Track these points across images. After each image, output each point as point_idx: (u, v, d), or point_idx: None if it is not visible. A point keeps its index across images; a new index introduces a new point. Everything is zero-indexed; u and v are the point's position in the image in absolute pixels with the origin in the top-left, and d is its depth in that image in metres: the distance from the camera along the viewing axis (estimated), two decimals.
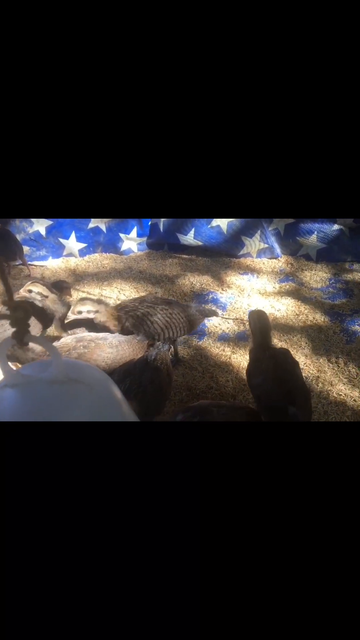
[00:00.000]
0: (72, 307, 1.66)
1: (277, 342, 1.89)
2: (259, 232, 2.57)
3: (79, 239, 2.63)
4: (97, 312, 1.57)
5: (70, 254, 2.66)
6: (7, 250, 2.27)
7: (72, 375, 0.77)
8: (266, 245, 2.61)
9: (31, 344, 1.34)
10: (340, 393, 1.64)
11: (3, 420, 0.75)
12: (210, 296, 2.30)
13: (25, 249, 2.50)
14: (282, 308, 2.17)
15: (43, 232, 2.56)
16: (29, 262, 2.51)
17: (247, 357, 1.81)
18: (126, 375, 1.34)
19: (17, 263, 2.43)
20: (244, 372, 1.74)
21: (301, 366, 1.76)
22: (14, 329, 0.66)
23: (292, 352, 1.82)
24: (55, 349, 0.74)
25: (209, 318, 2.08)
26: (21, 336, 0.66)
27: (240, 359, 1.79)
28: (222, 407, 1.20)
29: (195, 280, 2.43)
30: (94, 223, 2.61)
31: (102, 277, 2.46)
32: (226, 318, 2.09)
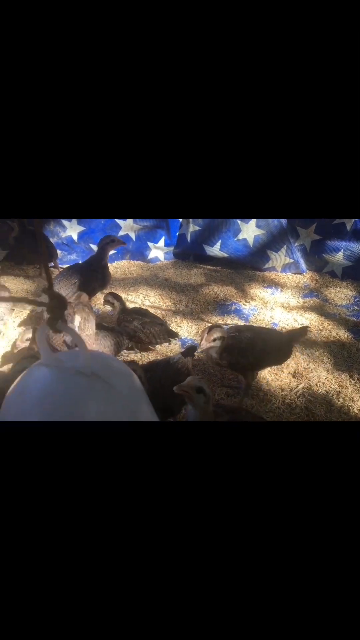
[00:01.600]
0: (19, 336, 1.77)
1: (299, 355, 1.89)
2: (285, 246, 2.59)
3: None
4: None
5: None
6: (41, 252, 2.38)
7: (96, 369, 0.82)
8: (292, 260, 2.63)
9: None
10: None
11: (29, 394, 0.80)
12: (234, 307, 2.32)
13: (58, 252, 2.61)
14: (305, 322, 2.17)
15: (75, 237, 2.67)
16: (60, 265, 2.61)
17: (269, 367, 1.82)
18: (147, 372, 1.38)
19: (50, 265, 2.54)
20: (263, 379, 1.75)
21: (322, 381, 1.75)
22: (49, 316, 0.71)
23: (314, 367, 1.82)
24: (83, 343, 0.79)
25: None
26: (54, 323, 0.71)
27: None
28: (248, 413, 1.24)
29: (219, 291, 2.46)
30: (124, 231, 2.70)
31: (128, 283, 2.53)
32: None
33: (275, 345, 1.60)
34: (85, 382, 0.78)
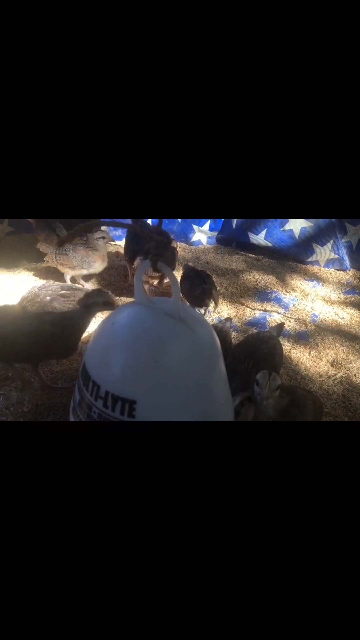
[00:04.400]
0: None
1: (339, 345, 1.88)
2: (331, 241, 2.56)
3: (154, 224, 2.77)
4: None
5: None
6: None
7: (183, 316, 0.86)
8: (336, 256, 2.60)
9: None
10: None
11: (119, 328, 0.85)
12: (274, 295, 2.32)
13: (104, 228, 2.68)
14: (345, 317, 2.15)
15: None
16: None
17: (307, 354, 1.83)
18: None
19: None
20: (302, 364, 1.75)
21: None
22: (152, 253, 0.75)
23: (353, 359, 1.81)
24: (178, 287, 0.83)
25: (271, 314, 2.12)
26: (156, 260, 0.74)
27: (300, 355, 1.80)
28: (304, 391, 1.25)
29: (260, 278, 2.46)
30: None
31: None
32: (288, 317, 2.11)
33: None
34: (172, 325, 0.83)
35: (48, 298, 1.59)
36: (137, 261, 1.92)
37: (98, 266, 2.12)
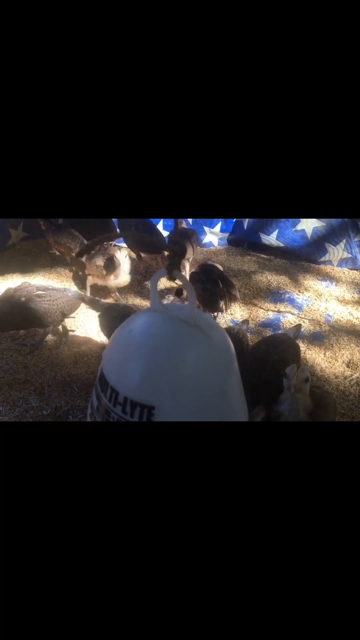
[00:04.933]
0: None
1: (354, 346, 1.86)
2: (344, 240, 2.53)
3: (165, 227, 2.78)
4: None
5: None
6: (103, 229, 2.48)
7: (198, 322, 0.86)
8: (349, 255, 2.57)
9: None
10: None
11: (136, 336, 0.86)
12: (287, 295, 2.31)
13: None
14: None
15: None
16: (117, 244, 2.70)
17: (323, 355, 1.81)
18: None
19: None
20: (317, 365, 1.74)
21: None
22: (168, 262, 0.76)
23: None
24: (194, 293, 0.84)
25: (285, 314, 2.11)
26: (172, 269, 0.75)
27: (315, 356, 1.79)
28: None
29: (272, 279, 2.46)
30: None
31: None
32: (302, 317, 2.10)
33: None
34: (189, 331, 0.84)
35: (23, 299, 1.60)
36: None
37: (111, 281, 2.05)
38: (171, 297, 1.93)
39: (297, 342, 1.88)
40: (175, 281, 1.44)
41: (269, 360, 1.28)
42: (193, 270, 2.14)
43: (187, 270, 1.88)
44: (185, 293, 1.47)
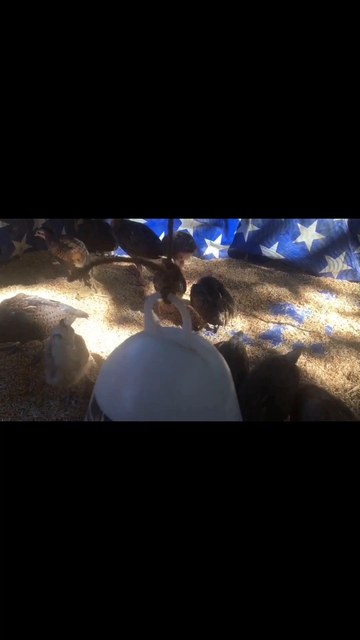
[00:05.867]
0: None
1: (355, 358, 1.87)
2: (344, 253, 2.56)
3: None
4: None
5: None
6: (107, 240, 2.52)
7: (194, 346, 0.85)
8: (349, 268, 2.59)
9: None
10: None
11: (130, 360, 0.85)
12: (287, 307, 2.33)
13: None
14: None
15: None
16: (121, 255, 2.73)
17: (323, 367, 1.82)
18: None
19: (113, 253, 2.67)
20: (318, 378, 1.74)
21: None
22: (163, 285, 0.76)
23: None
24: (189, 318, 0.82)
25: (285, 326, 2.12)
26: (167, 292, 0.75)
27: (315, 368, 1.80)
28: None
29: (272, 291, 2.47)
30: (183, 226, 2.79)
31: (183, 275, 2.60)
32: (302, 329, 2.11)
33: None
34: (185, 356, 0.82)
35: (13, 313, 1.60)
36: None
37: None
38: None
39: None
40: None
41: (270, 387, 1.27)
42: (194, 282, 2.17)
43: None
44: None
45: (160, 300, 0.81)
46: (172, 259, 0.86)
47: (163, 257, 2.16)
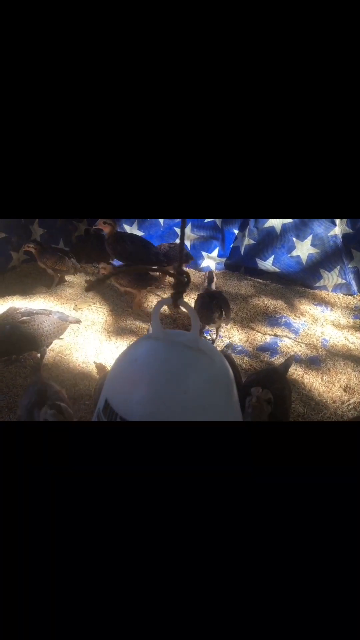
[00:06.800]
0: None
1: (351, 370, 1.89)
2: (338, 267, 2.61)
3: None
4: None
5: None
6: (104, 252, 2.54)
7: (202, 346, 0.88)
8: (344, 281, 2.64)
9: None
10: None
11: (139, 363, 0.87)
12: (283, 320, 2.35)
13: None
14: (356, 341, 2.16)
15: None
16: (117, 265, 2.75)
17: (320, 379, 1.84)
18: None
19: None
20: (315, 390, 1.76)
21: None
22: (173, 291, 0.78)
23: None
24: (198, 320, 0.86)
25: (282, 338, 2.14)
26: (178, 297, 0.77)
27: (312, 381, 1.81)
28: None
29: (269, 303, 2.50)
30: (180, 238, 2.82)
31: None
32: (299, 342, 2.13)
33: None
34: (191, 355, 0.85)
35: (8, 327, 1.60)
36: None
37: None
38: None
39: (293, 367, 1.91)
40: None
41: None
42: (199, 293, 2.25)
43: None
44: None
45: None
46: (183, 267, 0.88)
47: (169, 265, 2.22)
